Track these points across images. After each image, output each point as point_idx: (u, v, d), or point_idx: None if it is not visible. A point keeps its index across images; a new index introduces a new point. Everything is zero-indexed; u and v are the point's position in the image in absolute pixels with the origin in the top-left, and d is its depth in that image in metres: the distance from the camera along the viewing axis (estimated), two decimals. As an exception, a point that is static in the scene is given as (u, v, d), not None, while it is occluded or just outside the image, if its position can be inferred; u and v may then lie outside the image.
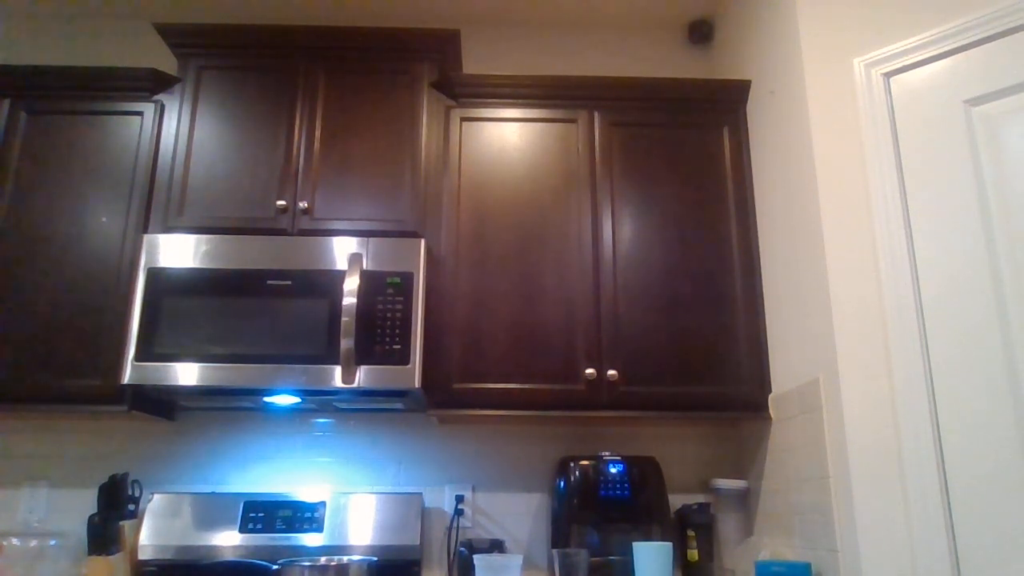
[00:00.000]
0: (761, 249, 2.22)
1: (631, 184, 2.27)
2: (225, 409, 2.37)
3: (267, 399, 2.15)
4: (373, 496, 2.24)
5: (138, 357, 1.97)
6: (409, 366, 1.99)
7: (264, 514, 2.19)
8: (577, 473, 2.10)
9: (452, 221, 2.21)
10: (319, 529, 2.17)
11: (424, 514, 2.31)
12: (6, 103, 2.27)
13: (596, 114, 2.33)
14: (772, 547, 1.97)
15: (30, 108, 2.27)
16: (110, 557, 2.03)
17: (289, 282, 2.04)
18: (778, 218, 2.11)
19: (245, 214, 2.18)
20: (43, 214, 2.18)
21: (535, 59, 2.83)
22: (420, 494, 2.26)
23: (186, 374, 1.97)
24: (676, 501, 2.23)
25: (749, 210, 2.26)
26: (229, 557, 2.12)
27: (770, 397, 2.11)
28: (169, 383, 1.97)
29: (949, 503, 1.57)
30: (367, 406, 2.30)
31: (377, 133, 2.27)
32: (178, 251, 2.07)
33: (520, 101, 2.34)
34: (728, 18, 2.63)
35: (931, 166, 1.74)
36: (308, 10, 2.78)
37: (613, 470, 2.09)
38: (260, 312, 2.01)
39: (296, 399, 2.13)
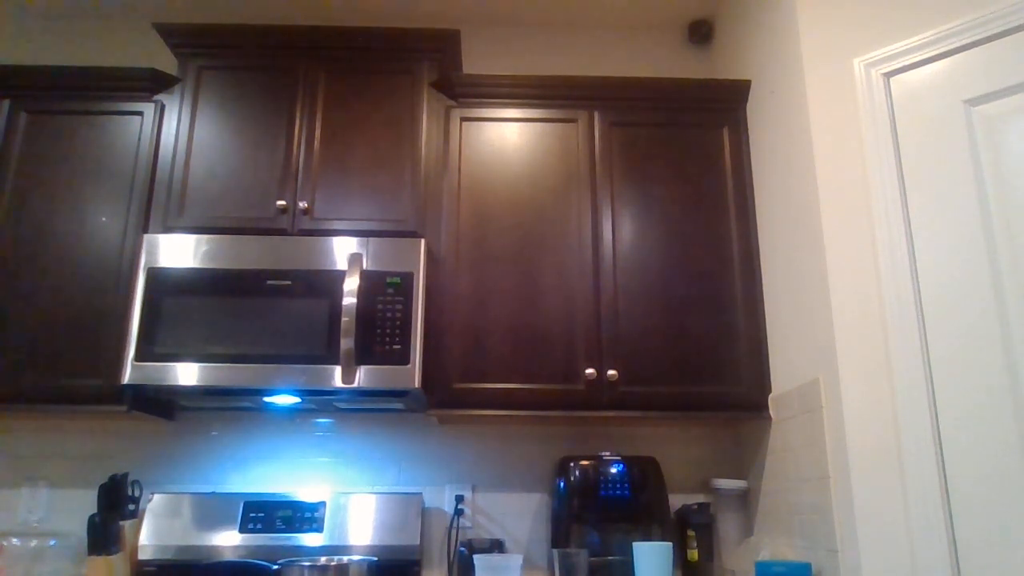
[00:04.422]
0: (761, 249, 2.22)
1: (631, 184, 2.27)
2: (225, 409, 2.37)
3: (267, 399, 2.15)
4: (373, 496, 2.24)
5: (138, 357, 1.98)
6: (409, 366, 1.99)
7: (264, 514, 2.19)
8: (577, 473, 2.10)
9: (452, 221, 2.21)
10: (319, 529, 2.17)
11: (424, 514, 2.31)
12: (6, 103, 2.27)
13: (596, 114, 2.33)
14: (772, 547, 1.97)
15: (30, 108, 2.27)
16: (110, 557, 2.03)
17: (289, 282, 2.04)
18: (778, 218, 2.11)
19: (245, 214, 2.18)
20: (43, 214, 2.18)
21: (535, 59, 2.83)
22: (420, 494, 2.26)
23: (186, 374, 1.97)
24: (676, 501, 2.23)
25: (749, 210, 2.26)
26: (229, 557, 2.13)
27: (770, 397, 2.11)
28: (169, 383, 1.97)
29: (949, 503, 1.57)
30: (367, 406, 2.30)
31: (377, 133, 2.27)
32: (178, 251, 2.07)
33: (520, 101, 2.34)
34: (728, 18, 2.63)
35: (931, 166, 1.74)
36: (308, 10, 2.78)
37: (613, 470, 2.09)
38: (260, 312, 2.01)
39: (296, 399, 2.13)
